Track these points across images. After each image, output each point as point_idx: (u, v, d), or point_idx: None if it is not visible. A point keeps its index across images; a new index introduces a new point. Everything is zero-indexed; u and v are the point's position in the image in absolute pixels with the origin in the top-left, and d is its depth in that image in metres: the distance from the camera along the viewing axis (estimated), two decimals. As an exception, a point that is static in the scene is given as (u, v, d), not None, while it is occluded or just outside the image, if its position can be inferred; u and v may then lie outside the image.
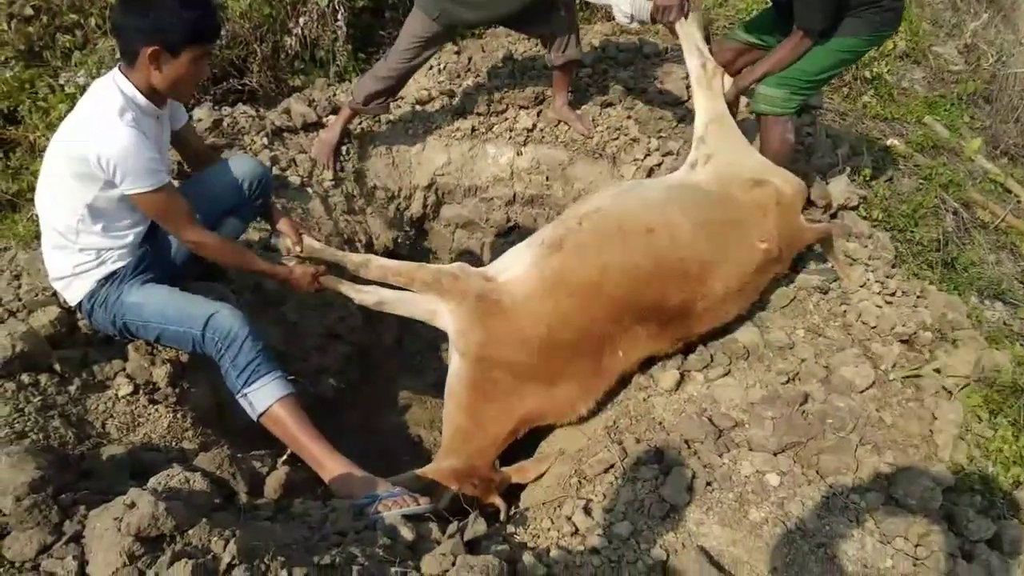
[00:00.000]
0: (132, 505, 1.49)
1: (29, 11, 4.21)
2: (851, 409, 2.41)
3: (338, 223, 3.95)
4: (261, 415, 2.39)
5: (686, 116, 4.35)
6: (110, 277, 2.46)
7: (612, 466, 2.28)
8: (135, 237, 2.49)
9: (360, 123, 4.37)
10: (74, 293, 2.48)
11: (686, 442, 2.30)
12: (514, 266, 2.69)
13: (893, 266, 3.22)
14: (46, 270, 2.52)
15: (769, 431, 2.29)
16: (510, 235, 4.70)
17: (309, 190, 3.90)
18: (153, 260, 2.58)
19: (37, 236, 3.62)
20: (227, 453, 2.10)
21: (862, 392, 2.51)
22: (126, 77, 2.32)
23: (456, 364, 2.61)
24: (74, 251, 2.41)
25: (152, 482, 1.64)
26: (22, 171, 4.04)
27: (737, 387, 2.50)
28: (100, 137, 2.20)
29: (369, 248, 4.13)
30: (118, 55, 2.37)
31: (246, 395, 2.40)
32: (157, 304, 2.47)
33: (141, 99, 2.34)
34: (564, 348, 2.52)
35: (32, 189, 4.01)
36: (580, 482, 2.31)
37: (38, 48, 4.27)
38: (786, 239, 2.85)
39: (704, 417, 2.38)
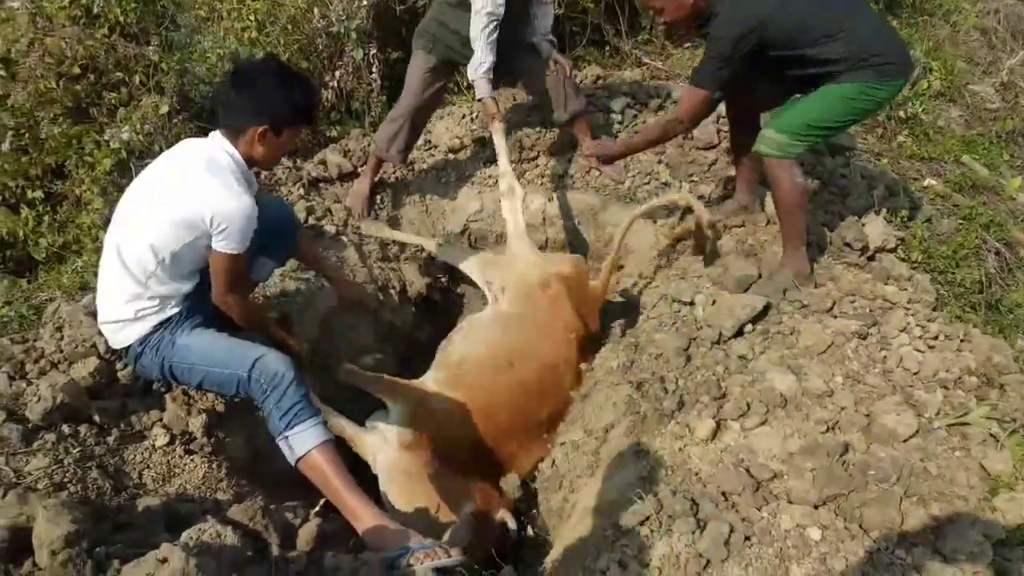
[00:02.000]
0: (164, 560, 1.50)
1: (77, 70, 4.37)
2: (894, 459, 2.34)
3: (372, 271, 4.00)
4: (299, 459, 2.40)
5: (718, 160, 4.35)
6: (166, 323, 2.54)
7: (647, 519, 2.24)
8: (191, 286, 2.60)
9: (394, 172, 4.44)
10: (126, 336, 2.53)
11: (723, 494, 2.24)
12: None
13: (934, 309, 3.14)
14: (97, 312, 2.59)
15: (809, 483, 2.23)
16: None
17: (344, 239, 3.96)
18: (196, 304, 2.64)
19: (82, 287, 3.72)
20: (260, 504, 2.10)
21: (905, 441, 2.43)
22: (233, 145, 2.51)
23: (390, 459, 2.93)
24: (143, 298, 2.50)
25: (184, 536, 1.64)
26: (68, 224, 4.16)
27: (775, 436, 2.44)
28: (220, 199, 2.38)
29: (403, 294, 4.17)
30: (220, 123, 2.58)
31: (287, 438, 2.42)
32: (205, 347, 2.54)
33: (244, 166, 2.54)
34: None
35: (77, 241, 4.15)
36: (615, 535, 2.26)
37: (85, 105, 4.43)
38: (585, 308, 3.57)
39: (741, 468, 2.32)
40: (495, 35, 3.72)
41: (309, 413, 2.44)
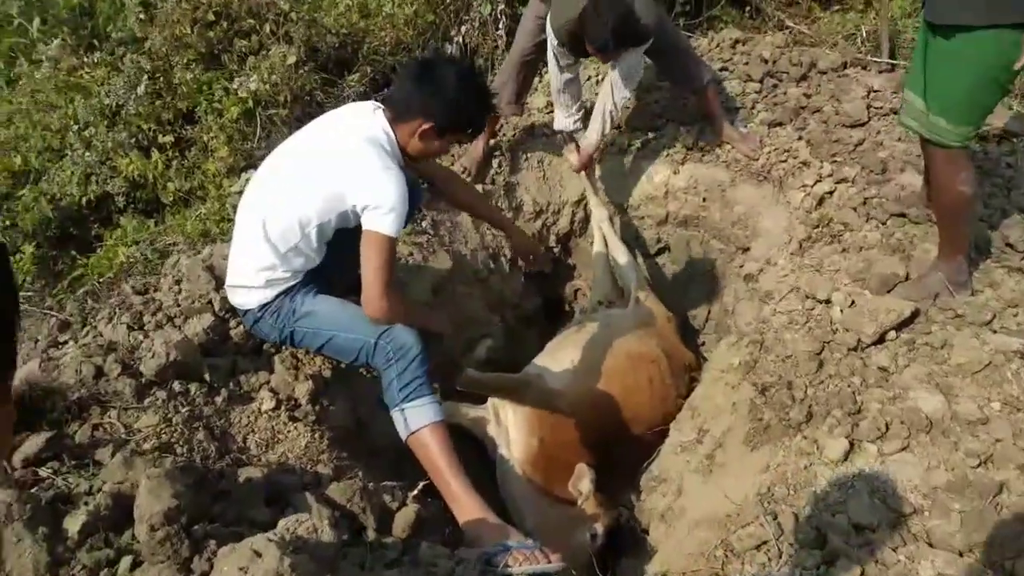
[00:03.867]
0: (258, 554, 1.45)
1: (211, 16, 4.41)
2: (1057, 505, 2.06)
3: (484, 237, 3.90)
4: (412, 434, 2.37)
5: (865, 139, 3.97)
6: (288, 291, 2.54)
7: (765, 543, 2.05)
8: (322, 258, 2.58)
9: (513, 135, 4.29)
10: (248, 300, 2.54)
11: (854, 527, 2.03)
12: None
13: (1115, 327, 2.76)
14: (227, 273, 2.60)
15: (955, 525, 1.98)
16: (659, 256, 4.49)
17: (459, 202, 3.85)
18: (316, 274, 2.62)
19: (203, 234, 3.79)
20: (359, 485, 2.05)
21: (1072, 484, 2.13)
22: (393, 128, 2.47)
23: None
24: (278, 269, 2.48)
25: (281, 527, 1.60)
26: (194, 170, 4.25)
27: (917, 466, 2.18)
28: (374, 175, 2.32)
29: (513, 263, 4.05)
30: (384, 100, 2.62)
31: (403, 410, 2.38)
32: (332, 313, 2.53)
33: (400, 155, 2.49)
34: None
35: (202, 188, 4.23)
36: (726, 555, 2.10)
37: (217, 52, 4.48)
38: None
39: (876, 499, 2.10)
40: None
41: (428, 390, 2.41)
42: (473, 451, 3.13)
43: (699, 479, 2.56)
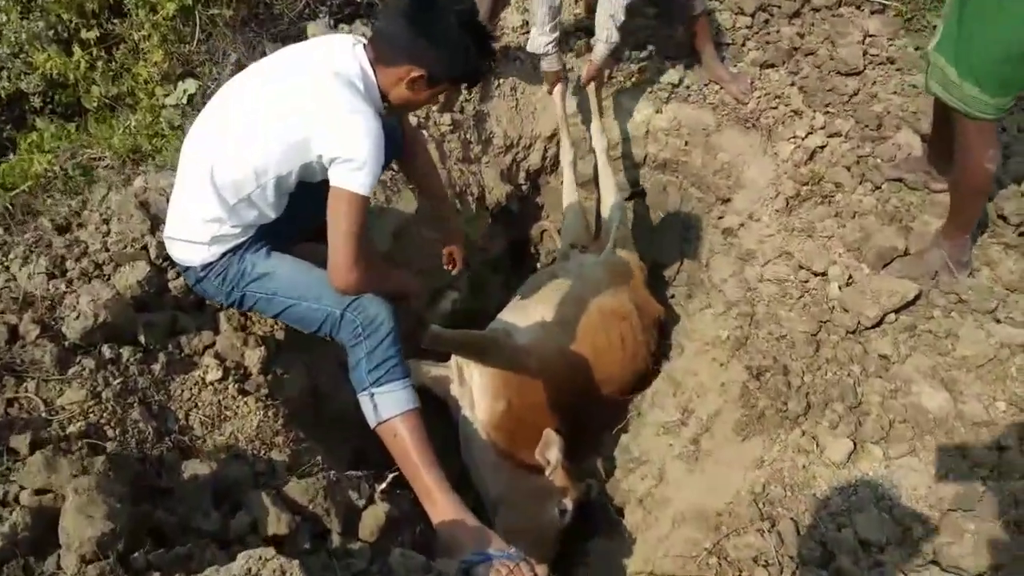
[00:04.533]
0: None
1: None
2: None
3: (451, 172, 3.56)
4: (382, 423, 2.11)
5: (860, 90, 3.75)
6: (236, 249, 2.19)
7: (763, 554, 1.91)
8: (278, 213, 2.21)
9: (487, 58, 3.90)
10: (190, 256, 2.18)
11: (861, 543, 1.89)
12: None
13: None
14: (165, 222, 2.24)
15: (968, 547, 1.86)
16: (632, 200, 4.24)
17: (424, 133, 3.49)
18: (271, 227, 2.25)
19: (133, 150, 3.35)
20: (322, 483, 1.80)
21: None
22: (375, 69, 2.10)
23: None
24: (226, 223, 2.12)
25: (241, 566, 1.34)
26: (123, 74, 3.76)
27: (924, 473, 2.05)
28: (344, 123, 1.97)
29: (480, 201, 3.75)
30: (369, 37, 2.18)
31: (373, 395, 2.10)
32: (291, 277, 2.20)
33: (379, 101, 2.14)
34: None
35: (132, 95, 3.75)
36: (720, 564, 1.95)
37: (150, -69, 3.90)
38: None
39: (883, 511, 1.96)
40: None
41: (402, 372, 2.13)
42: (435, 412, 2.90)
43: (684, 466, 2.40)
